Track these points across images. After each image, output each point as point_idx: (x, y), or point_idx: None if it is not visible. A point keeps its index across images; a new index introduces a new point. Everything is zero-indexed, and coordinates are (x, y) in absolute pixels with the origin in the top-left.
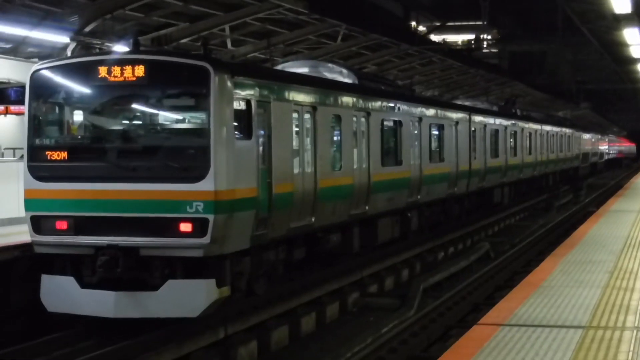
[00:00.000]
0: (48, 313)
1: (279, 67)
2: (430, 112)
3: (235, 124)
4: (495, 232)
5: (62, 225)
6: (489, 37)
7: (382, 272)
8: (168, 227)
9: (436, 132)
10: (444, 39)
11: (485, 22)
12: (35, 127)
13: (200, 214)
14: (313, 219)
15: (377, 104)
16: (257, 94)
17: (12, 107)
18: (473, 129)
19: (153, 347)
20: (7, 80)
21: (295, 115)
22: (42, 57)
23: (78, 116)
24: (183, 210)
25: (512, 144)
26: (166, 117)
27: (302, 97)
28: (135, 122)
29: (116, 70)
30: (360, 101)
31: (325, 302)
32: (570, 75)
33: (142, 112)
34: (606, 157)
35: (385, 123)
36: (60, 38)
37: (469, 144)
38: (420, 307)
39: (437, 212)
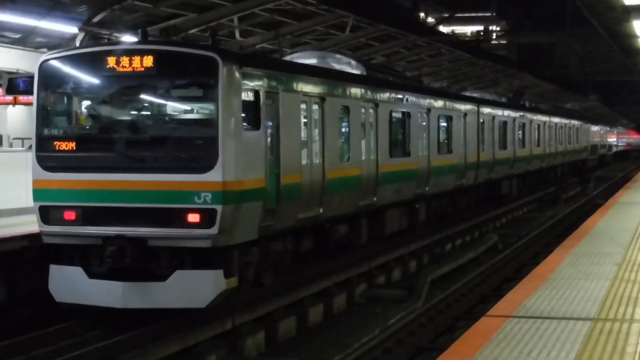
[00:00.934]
0: (56, 303)
1: (287, 58)
2: (439, 103)
3: (244, 114)
4: (503, 224)
5: (70, 215)
6: (498, 28)
7: (389, 263)
8: (176, 218)
9: (444, 124)
10: (452, 30)
11: (494, 14)
12: (44, 117)
13: (208, 205)
14: (321, 210)
15: (386, 95)
16: (265, 84)
17: (21, 97)
18: (481, 120)
19: (160, 337)
20: (15, 70)
21: (303, 106)
22: (50, 47)
23: (86, 106)
24: (191, 200)
25: (520, 135)
26: (174, 107)
27: (310, 88)
28: (143, 112)
29: (124, 60)
30: (369, 92)
31: (332, 293)
32: (578, 67)
33: (150, 103)
34: (614, 149)
35: (393, 114)
36: (68, 28)
37: (477, 135)
38: (428, 298)
39: (445, 204)
